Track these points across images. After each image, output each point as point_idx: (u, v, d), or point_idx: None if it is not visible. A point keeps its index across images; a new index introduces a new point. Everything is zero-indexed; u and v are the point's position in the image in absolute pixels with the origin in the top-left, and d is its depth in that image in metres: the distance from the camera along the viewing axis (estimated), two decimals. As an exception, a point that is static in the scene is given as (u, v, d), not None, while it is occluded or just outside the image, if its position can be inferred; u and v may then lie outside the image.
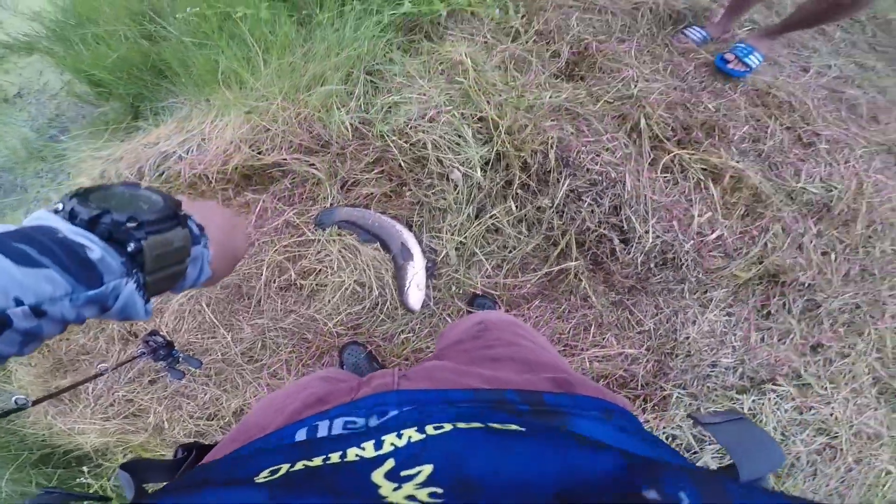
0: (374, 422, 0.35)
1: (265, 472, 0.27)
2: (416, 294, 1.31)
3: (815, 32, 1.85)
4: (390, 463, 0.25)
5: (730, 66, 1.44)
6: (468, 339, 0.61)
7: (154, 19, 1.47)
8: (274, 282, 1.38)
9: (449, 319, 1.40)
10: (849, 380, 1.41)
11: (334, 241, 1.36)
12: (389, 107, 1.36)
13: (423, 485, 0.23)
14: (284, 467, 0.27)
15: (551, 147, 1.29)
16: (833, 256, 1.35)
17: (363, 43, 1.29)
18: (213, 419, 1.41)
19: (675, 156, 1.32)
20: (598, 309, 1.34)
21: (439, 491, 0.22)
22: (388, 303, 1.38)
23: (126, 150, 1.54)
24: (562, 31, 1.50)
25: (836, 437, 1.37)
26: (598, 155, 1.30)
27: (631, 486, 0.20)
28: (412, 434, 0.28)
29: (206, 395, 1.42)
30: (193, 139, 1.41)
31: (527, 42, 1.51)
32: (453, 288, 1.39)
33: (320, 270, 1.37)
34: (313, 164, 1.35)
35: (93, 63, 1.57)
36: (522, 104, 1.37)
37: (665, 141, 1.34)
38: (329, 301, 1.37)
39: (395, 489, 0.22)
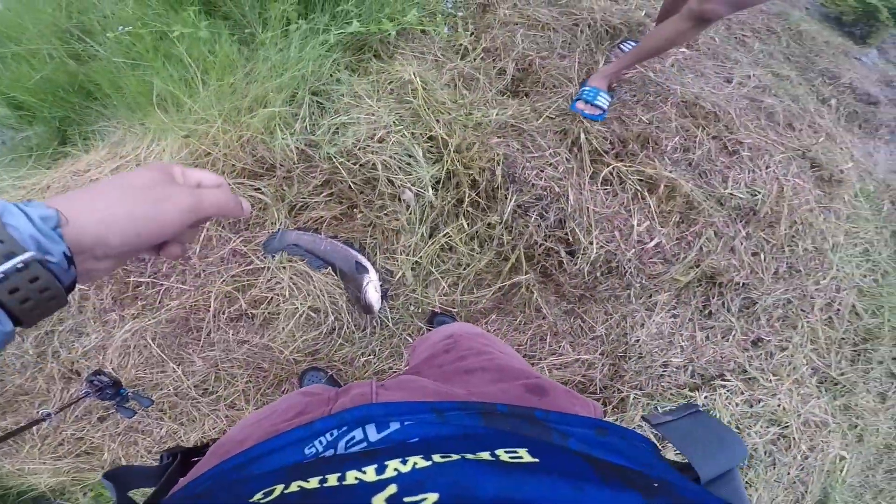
0: (373, 435, 0.34)
1: (258, 495, 0.26)
2: (374, 294, 1.31)
3: (736, 44, 2.02)
4: (392, 488, 0.24)
5: (585, 111, 1.46)
6: (440, 353, 0.63)
7: (83, 38, 1.41)
8: (223, 313, 1.34)
9: (409, 339, 1.41)
10: (790, 371, 1.52)
11: (285, 267, 1.34)
12: (337, 128, 1.36)
13: None
14: (279, 488, 0.26)
15: (498, 164, 1.34)
16: (762, 256, 1.46)
17: (308, 63, 1.29)
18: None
19: (613, 168, 1.40)
20: (552, 319, 1.39)
21: None
22: (346, 327, 1.37)
23: (53, 178, 1.46)
24: (507, 48, 1.57)
25: (787, 426, 1.47)
26: (542, 170, 1.36)
27: None
28: (418, 461, 0.27)
29: (161, 429, 1.37)
30: (128, 165, 1.36)
31: (475, 59, 1.56)
32: (412, 307, 1.40)
33: (272, 299, 1.34)
34: (259, 189, 1.34)
35: (13, 84, 1.47)
36: (471, 122, 1.41)
37: (604, 154, 1.42)
38: (283, 329, 1.34)
39: None
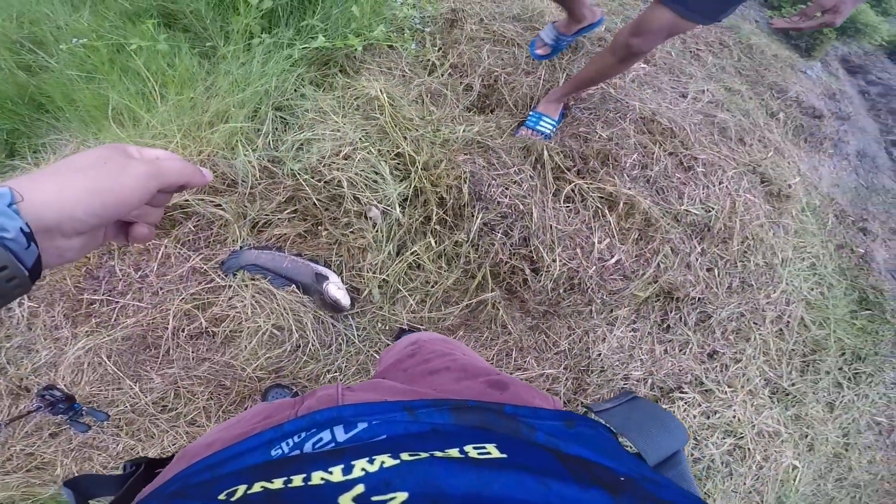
0: (341, 435, 0.34)
1: (222, 495, 0.26)
2: (336, 291, 1.32)
3: (691, 58, 2.11)
4: (360, 488, 0.24)
5: (530, 137, 1.52)
6: (405, 358, 0.64)
7: (34, 50, 1.36)
8: (183, 330, 1.32)
9: (376, 356, 1.42)
10: (744, 382, 1.61)
11: (247, 286, 1.33)
12: (301, 144, 1.36)
13: None
14: (241, 489, 0.26)
15: (465, 181, 1.37)
16: (716, 272, 1.55)
17: (272, 78, 1.28)
18: (130, 469, 1.32)
19: (575, 186, 1.45)
20: (517, 335, 1.43)
21: None
22: (311, 344, 1.37)
23: None
24: (474, 64, 1.60)
25: (742, 437, 1.55)
26: (507, 188, 1.40)
27: None
28: (385, 460, 0.27)
29: (118, 445, 1.34)
30: (82, 181, 1.32)
31: (442, 75, 1.59)
32: (379, 325, 1.41)
33: (233, 316, 1.33)
34: (219, 205, 1.32)
35: None
36: (438, 139, 1.44)
37: (566, 171, 1.47)
38: (245, 347, 1.33)
39: None
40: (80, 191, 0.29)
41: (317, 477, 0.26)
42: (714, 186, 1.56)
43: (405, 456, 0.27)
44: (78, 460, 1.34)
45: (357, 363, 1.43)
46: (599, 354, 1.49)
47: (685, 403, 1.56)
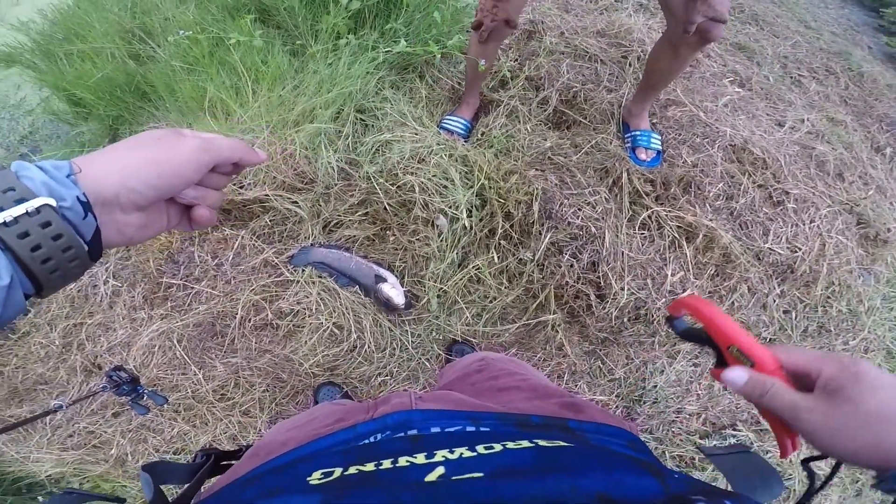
0: (413, 434, 0.37)
1: (317, 474, 0.29)
2: (391, 290, 1.39)
3: (791, 84, 2.00)
4: (441, 469, 0.27)
5: (646, 159, 1.48)
6: (472, 373, 0.66)
7: (144, 39, 1.47)
8: (249, 321, 1.42)
9: (427, 364, 1.48)
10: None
11: (314, 282, 1.41)
12: (379, 146, 1.41)
13: None
14: (338, 471, 0.29)
15: (536, 198, 1.38)
16: (794, 314, 1.50)
17: (356, 80, 1.33)
18: (179, 454, 1.44)
19: (652, 212, 1.43)
20: (572, 358, 1.45)
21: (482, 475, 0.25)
22: (367, 346, 1.44)
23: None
24: (552, 78, 1.59)
25: (790, 478, 1.53)
26: (579, 209, 1.40)
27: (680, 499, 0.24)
28: (464, 451, 0.30)
29: (173, 429, 1.45)
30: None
31: (516, 87, 1.59)
32: (433, 333, 1.47)
33: (298, 311, 1.42)
34: (296, 203, 1.40)
35: (75, 81, 1.55)
36: (511, 147, 1.46)
37: (644, 196, 1.45)
38: (306, 342, 1.42)
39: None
40: (136, 163, 0.31)
41: (403, 460, 0.29)
42: (804, 225, 1.51)
43: (481, 449, 0.30)
44: (133, 441, 1.44)
45: (408, 369, 1.50)
46: (655, 386, 1.50)
47: (736, 441, 1.55)
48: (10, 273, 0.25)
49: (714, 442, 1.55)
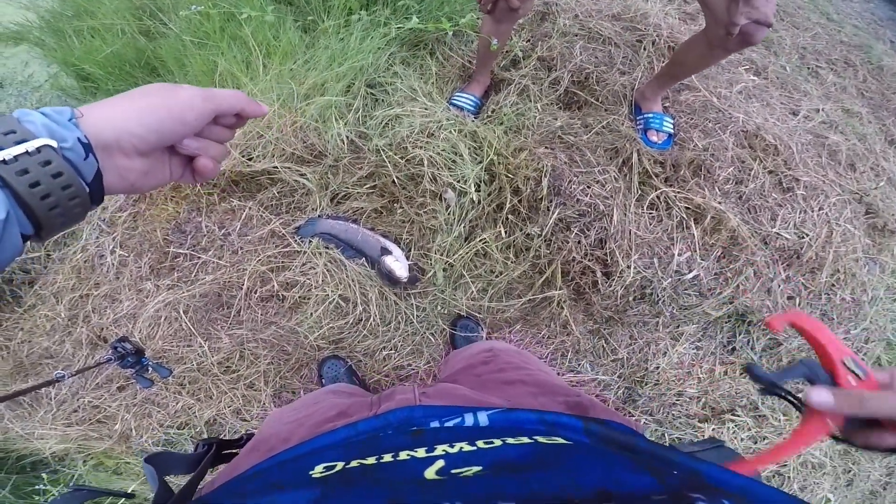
0: (414, 429, 0.38)
1: (320, 468, 0.30)
2: (394, 263, 1.43)
3: (808, 75, 2.03)
4: (441, 463, 0.28)
5: (657, 141, 1.51)
6: (478, 364, 0.68)
7: (155, 15, 1.50)
8: (255, 292, 1.46)
9: (432, 338, 1.53)
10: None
11: (321, 253, 1.45)
12: (389, 120, 1.44)
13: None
14: (340, 464, 0.30)
15: (545, 175, 1.42)
16: (797, 300, 1.54)
17: (368, 55, 1.36)
18: (183, 428, 1.48)
19: (661, 193, 1.47)
20: (577, 336, 1.50)
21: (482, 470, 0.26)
22: (372, 319, 1.48)
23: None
24: (565, 60, 1.61)
25: (785, 465, 1.58)
26: (588, 186, 1.43)
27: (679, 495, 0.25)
28: (464, 446, 0.31)
29: (178, 403, 1.48)
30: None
31: (528, 67, 1.62)
32: (438, 308, 1.51)
33: (304, 283, 1.45)
34: (304, 175, 1.43)
35: (84, 57, 1.59)
36: (521, 125, 1.49)
37: (654, 177, 1.49)
38: (311, 314, 1.46)
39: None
40: (137, 108, 0.32)
41: (404, 454, 0.30)
42: (812, 212, 1.54)
43: (481, 444, 0.31)
44: (138, 416, 1.46)
45: (413, 343, 1.54)
46: (657, 367, 1.54)
47: (735, 426, 1.60)
48: (7, 208, 0.26)
49: (712, 427, 1.60)
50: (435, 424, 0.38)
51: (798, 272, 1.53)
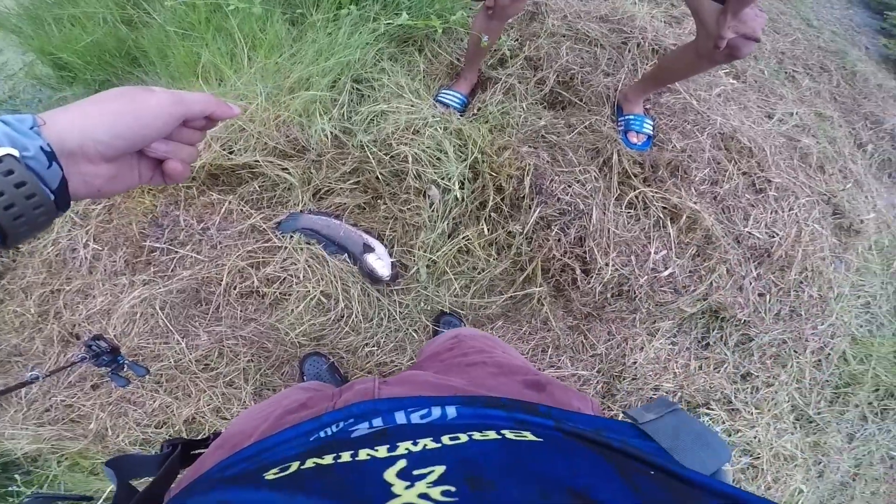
0: (379, 425, 0.37)
1: (274, 470, 0.29)
2: (376, 262, 1.44)
3: (784, 79, 2.11)
4: (402, 463, 0.26)
5: (637, 142, 1.56)
6: (444, 351, 0.70)
7: (139, 4, 1.46)
8: (234, 288, 1.45)
9: (415, 335, 1.54)
10: (771, 406, 1.71)
11: (302, 249, 1.44)
12: (375, 116, 1.44)
13: (436, 483, 0.24)
14: (294, 465, 0.29)
15: (527, 174, 1.44)
16: (768, 297, 1.62)
17: (355, 50, 1.36)
18: (161, 427, 1.46)
19: (640, 193, 1.51)
20: (557, 332, 1.54)
21: (452, 489, 0.23)
22: (354, 315, 1.49)
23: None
24: (551, 60, 1.64)
25: (759, 457, 1.66)
26: (569, 185, 1.47)
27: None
28: (427, 443, 0.30)
29: (155, 402, 1.46)
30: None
31: (515, 66, 1.64)
32: (421, 304, 1.53)
33: (285, 279, 1.45)
34: (286, 169, 1.42)
35: (62, 45, 1.54)
36: (506, 123, 1.51)
37: (633, 177, 1.53)
38: (292, 311, 1.46)
39: (407, 487, 0.24)
40: (103, 114, 0.32)
41: (363, 454, 0.29)
42: (783, 212, 1.61)
43: (446, 440, 0.30)
44: (113, 415, 1.43)
45: (395, 340, 1.56)
46: (635, 362, 1.59)
47: (709, 419, 1.66)
48: None
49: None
50: (401, 420, 0.38)
51: (768, 270, 1.60)
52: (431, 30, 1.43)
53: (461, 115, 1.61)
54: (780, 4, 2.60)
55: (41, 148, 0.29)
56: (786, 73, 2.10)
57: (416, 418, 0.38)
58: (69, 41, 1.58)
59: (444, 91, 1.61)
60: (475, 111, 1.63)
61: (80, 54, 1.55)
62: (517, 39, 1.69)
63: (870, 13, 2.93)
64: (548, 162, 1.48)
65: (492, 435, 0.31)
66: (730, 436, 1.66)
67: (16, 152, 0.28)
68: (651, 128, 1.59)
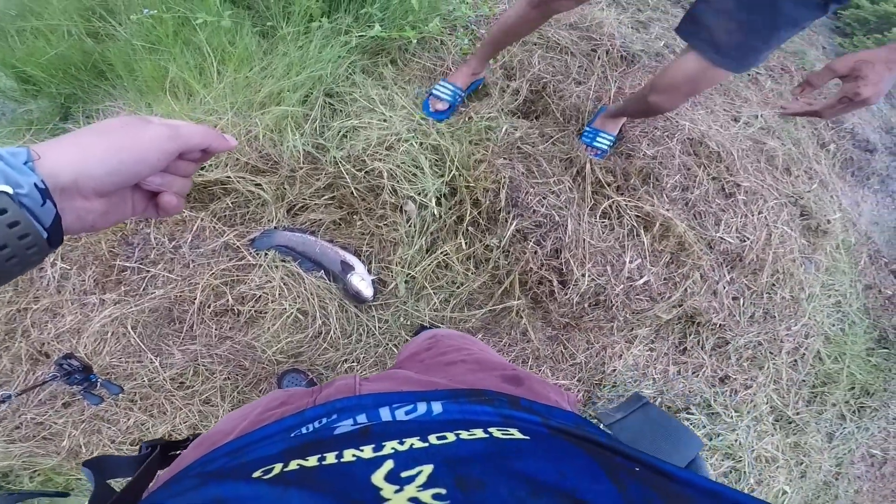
0: (364, 421, 0.36)
1: (258, 472, 0.28)
2: (360, 282, 1.43)
3: (748, 82, 2.19)
4: (389, 464, 0.26)
5: (588, 154, 1.60)
6: (422, 351, 0.71)
7: (105, 17, 1.45)
8: (209, 306, 1.44)
9: (395, 350, 1.55)
10: (751, 408, 1.76)
11: (277, 267, 1.44)
12: (347, 131, 1.46)
13: (425, 486, 0.24)
14: (278, 467, 0.28)
15: (503, 187, 1.47)
16: (742, 301, 1.67)
17: (327, 64, 1.37)
18: (136, 444, 1.45)
19: (613, 202, 1.55)
20: (536, 344, 1.56)
21: (443, 492, 0.23)
22: (332, 332, 1.49)
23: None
24: (524, 68, 1.68)
25: (741, 461, 1.70)
26: (544, 197, 1.50)
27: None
28: (415, 442, 0.29)
29: (129, 419, 1.45)
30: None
31: (494, 75, 1.67)
32: (401, 319, 1.54)
33: (260, 297, 1.45)
34: (259, 185, 1.42)
35: (26, 58, 1.52)
36: (473, 129, 1.54)
37: (606, 186, 1.57)
38: (269, 328, 1.45)
39: (396, 491, 0.23)
40: (98, 149, 0.31)
41: (348, 454, 0.28)
42: (753, 216, 1.67)
43: (433, 439, 0.30)
44: (87, 432, 1.43)
45: (375, 355, 1.56)
46: (614, 370, 1.63)
47: (690, 424, 1.70)
48: None
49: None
50: (386, 417, 0.37)
51: (741, 274, 1.66)
52: (406, 41, 1.45)
53: (448, 116, 1.57)
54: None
55: (35, 185, 0.28)
56: (749, 75, 2.18)
57: (401, 414, 0.37)
58: (33, 54, 1.56)
59: (438, 84, 1.55)
60: (466, 119, 1.61)
61: (44, 67, 1.53)
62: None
63: (823, 12, 3.05)
64: (523, 174, 1.51)
65: (479, 434, 0.30)
66: (711, 440, 1.70)
67: (10, 189, 0.27)
68: (607, 143, 1.61)
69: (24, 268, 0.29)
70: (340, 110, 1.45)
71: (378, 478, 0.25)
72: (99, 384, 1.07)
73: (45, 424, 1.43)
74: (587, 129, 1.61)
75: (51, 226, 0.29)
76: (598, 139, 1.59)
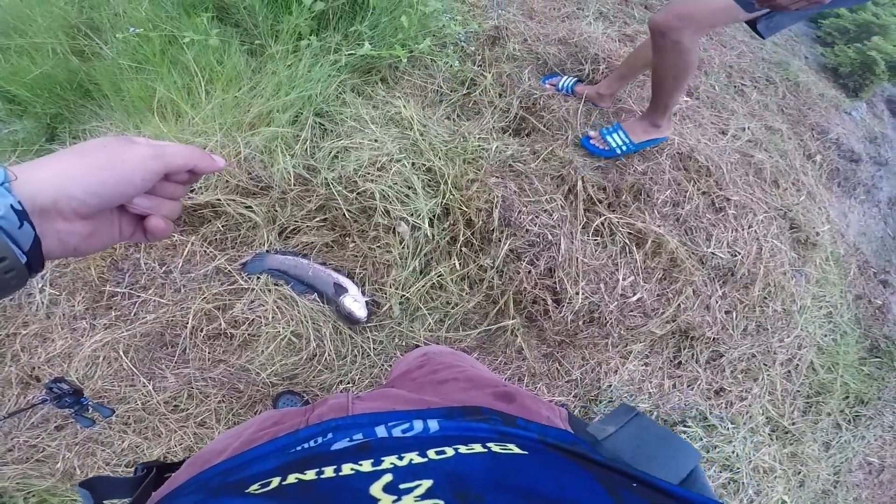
0: (358, 437, 0.36)
1: (255, 486, 0.28)
2: (353, 304, 1.43)
3: (734, 94, 2.22)
4: (388, 477, 0.26)
5: (592, 142, 1.62)
6: (414, 369, 0.70)
7: (90, 36, 1.44)
8: (201, 330, 1.43)
9: (389, 370, 1.55)
10: (746, 420, 1.77)
11: (270, 290, 1.44)
12: (338, 152, 1.46)
13: (423, 497, 0.24)
14: (275, 480, 0.28)
15: (496, 206, 1.48)
16: (734, 315, 1.68)
17: (317, 83, 1.37)
18: (131, 467, 1.43)
19: (605, 219, 1.57)
20: (531, 362, 1.56)
21: (440, 503, 0.23)
22: (327, 354, 1.49)
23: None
24: (514, 85, 1.69)
25: (739, 472, 1.71)
26: (537, 216, 1.51)
27: None
28: (413, 457, 0.29)
29: (124, 442, 1.43)
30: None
31: (480, 93, 1.68)
32: (396, 340, 1.53)
33: (253, 320, 1.44)
34: (250, 207, 1.42)
35: (10, 78, 1.50)
36: (468, 153, 1.54)
37: (598, 203, 1.58)
38: (263, 351, 1.44)
39: (394, 501, 0.23)
40: (77, 169, 0.30)
41: (347, 468, 0.28)
42: (743, 230, 1.69)
43: (432, 454, 0.30)
44: (81, 455, 1.42)
45: (371, 376, 1.56)
46: (610, 385, 1.63)
47: (687, 437, 1.71)
48: None
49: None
50: (382, 434, 0.37)
51: (733, 288, 1.67)
52: (396, 59, 1.46)
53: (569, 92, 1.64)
54: (724, 17, 2.74)
55: (11, 206, 0.27)
56: (735, 87, 2.21)
57: (397, 433, 0.37)
58: (17, 73, 1.54)
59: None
60: (455, 143, 1.60)
61: (28, 87, 1.51)
62: (480, 65, 1.74)
63: (806, 22, 3.11)
64: (515, 192, 1.52)
65: (478, 448, 0.30)
66: (707, 452, 1.71)
67: None
68: (617, 143, 1.61)
69: (3, 292, 0.28)
70: (331, 130, 1.45)
71: (376, 489, 0.25)
72: (90, 407, 1.06)
73: (39, 447, 1.42)
74: (612, 126, 1.61)
75: (30, 249, 0.28)
76: (615, 136, 1.59)
